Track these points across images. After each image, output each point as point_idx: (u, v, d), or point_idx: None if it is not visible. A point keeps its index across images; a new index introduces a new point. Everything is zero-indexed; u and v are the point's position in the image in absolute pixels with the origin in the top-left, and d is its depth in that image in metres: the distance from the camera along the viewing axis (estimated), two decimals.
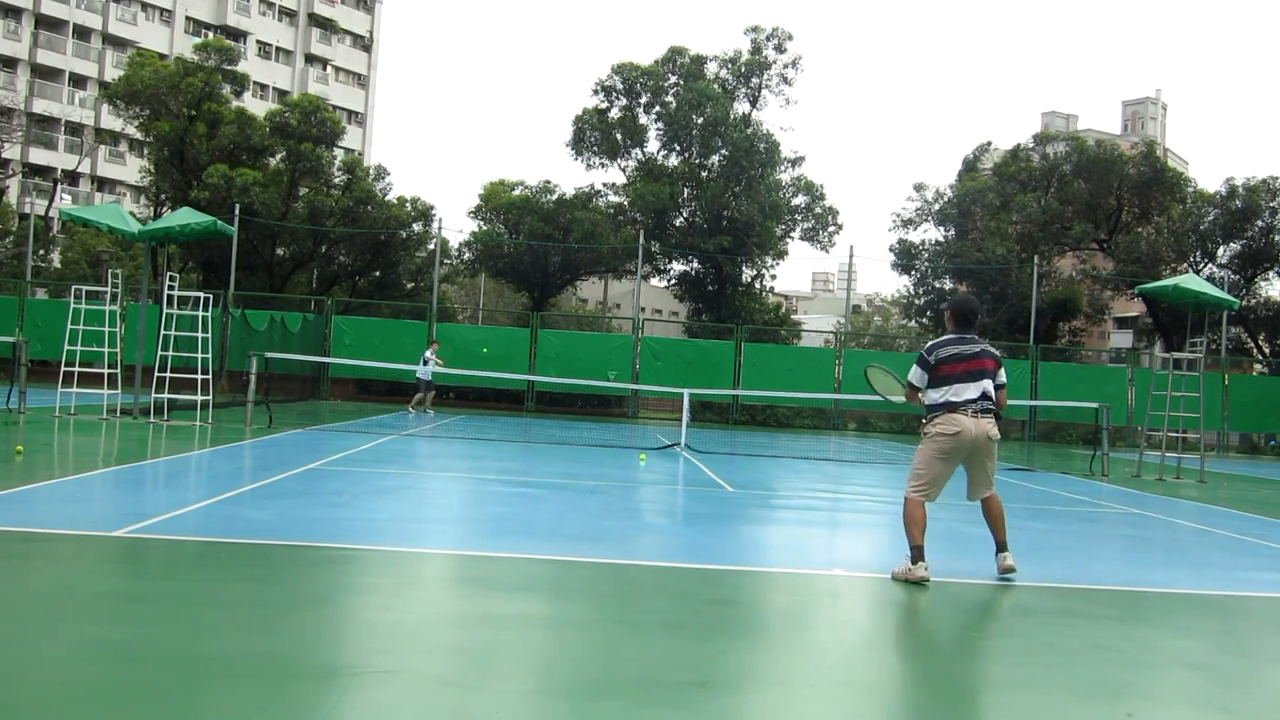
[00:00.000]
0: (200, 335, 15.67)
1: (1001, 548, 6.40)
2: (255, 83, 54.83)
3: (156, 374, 15.42)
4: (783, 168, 36.07)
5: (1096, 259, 38.89)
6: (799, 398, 28.89)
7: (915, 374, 6.41)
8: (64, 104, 54.05)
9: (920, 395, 6.45)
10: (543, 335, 28.93)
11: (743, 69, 35.41)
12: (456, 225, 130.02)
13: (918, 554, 6.14)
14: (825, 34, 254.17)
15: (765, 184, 34.09)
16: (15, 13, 54.37)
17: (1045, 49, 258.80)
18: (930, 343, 6.51)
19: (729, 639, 4.69)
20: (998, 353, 6.51)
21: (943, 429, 6.23)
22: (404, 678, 3.82)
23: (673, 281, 36.81)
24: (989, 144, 40.87)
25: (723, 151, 34.37)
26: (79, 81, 56.65)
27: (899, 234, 38.72)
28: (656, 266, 36.15)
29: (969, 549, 7.84)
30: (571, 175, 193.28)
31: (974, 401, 6.21)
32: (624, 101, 35.59)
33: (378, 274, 35.82)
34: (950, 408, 6.21)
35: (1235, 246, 34.50)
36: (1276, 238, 33.67)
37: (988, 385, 6.28)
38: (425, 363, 23.35)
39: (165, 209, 34.67)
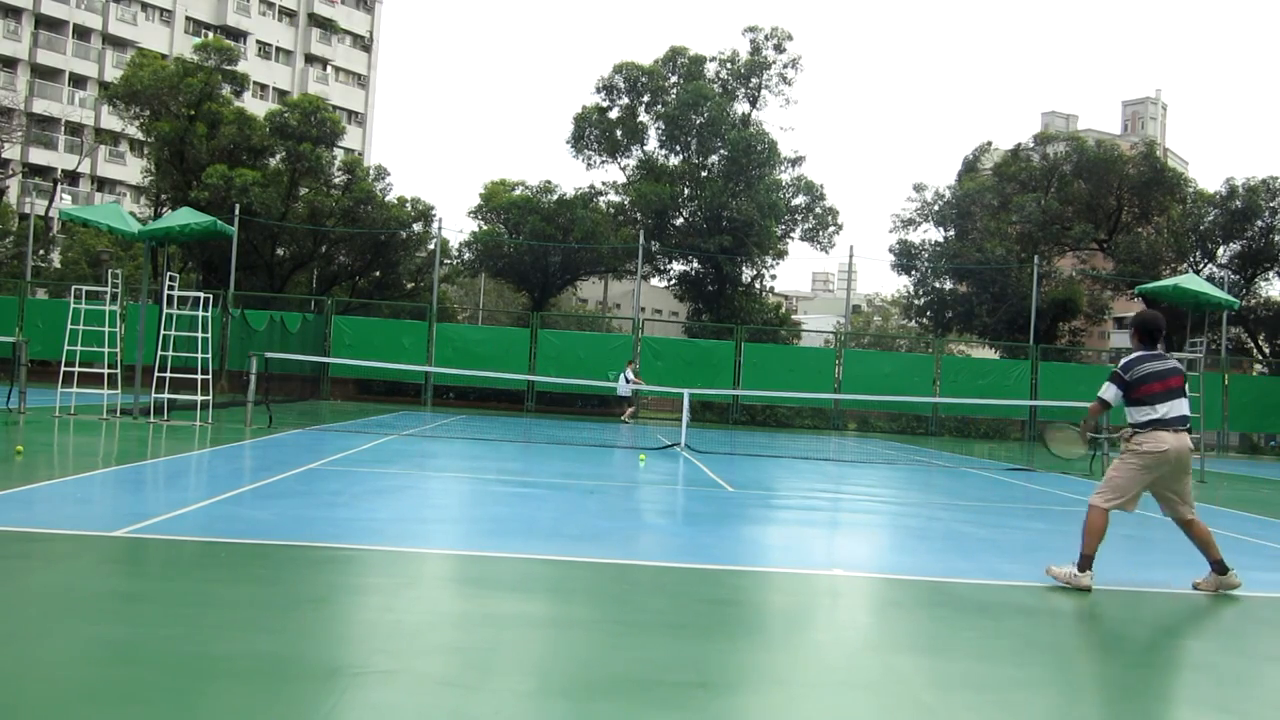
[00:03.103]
0: (200, 335, 15.67)
1: (1222, 568, 6.37)
2: (255, 83, 54.84)
3: (156, 374, 15.42)
4: (782, 168, 36.08)
5: (1096, 259, 38.89)
6: (799, 398, 28.90)
7: (1111, 393, 6.48)
8: (64, 104, 54.05)
9: (1106, 412, 6.59)
10: (543, 335, 28.93)
11: (742, 69, 35.41)
12: (456, 225, 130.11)
13: (1086, 563, 6.26)
14: (825, 34, 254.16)
15: (765, 184, 34.10)
16: (15, 13, 54.37)
17: (1045, 49, 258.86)
18: (1124, 360, 6.54)
19: (729, 639, 4.69)
20: (1183, 367, 6.60)
21: (1151, 447, 6.29)
22: (404, 678, 3.82)
23: (673, 281, 36.83)
24: (989, 144, 40.87)
25: (722, 151, 34.38)
26: (79, 81, 56.64)
27: (899, 234, 38.76)
28: (656, 266, 36.16)
29: (969, 549, 7.85)
30: (572, 175, 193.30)
31: (1179, 420, 6.32)
32: (625, 100, 35.61)
33: (378, 274, 35.82)
34: (1158, 425, 6.30)
35: (1235, 246, 34.50)
36: (1276, 238, 33.67)
37: (1186, 403, 6.39)
38: (626, 380, 24.63)
39: (165, 209, 34.67)
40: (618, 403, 31.20)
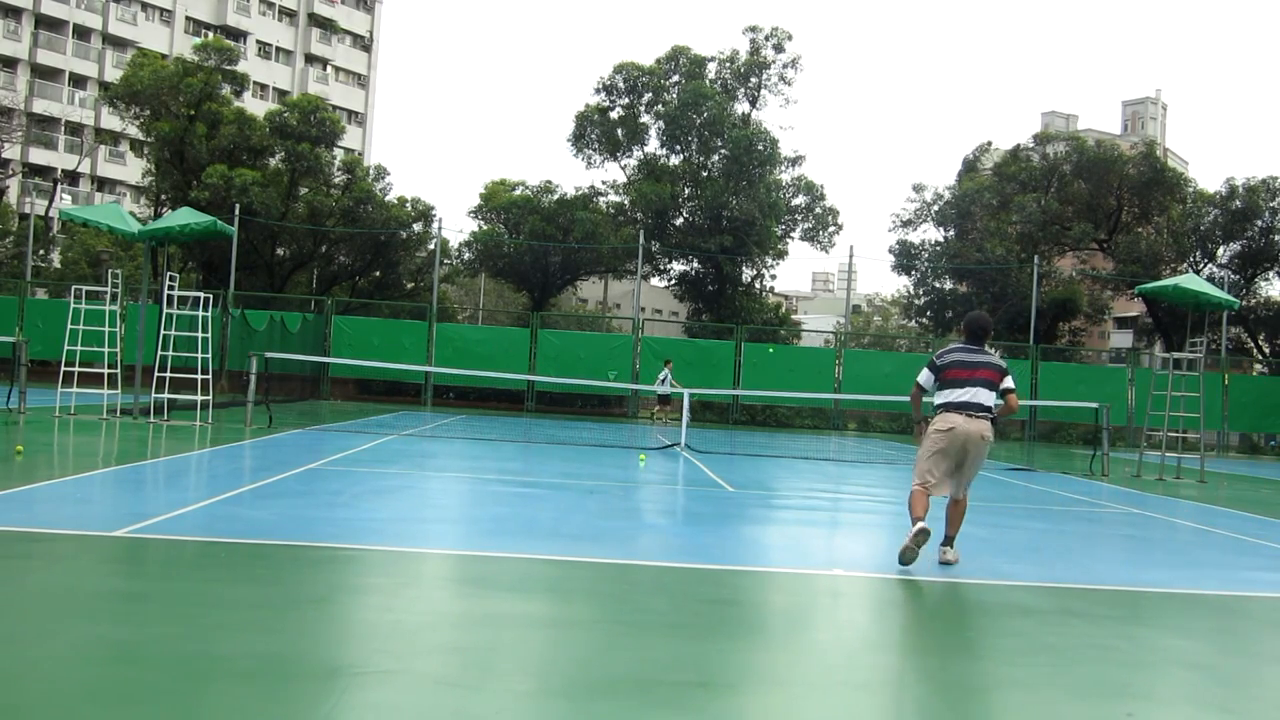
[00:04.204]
0: (200, 335, 15.66)
1: (948, 541, 6.81)
2: (255, 83, 54.82)
3: (156, 374, 15.42)
4: (782, 167, 36.09)
5: (1096, 259, 38.88)
6: (799, 398, 28.90)
7: (923, 376, 6.99)
8: (64, 104, 54.01)
9: (926, 396, 7.02)
10: (543, 335, 28.93)
11: (742, 69, 35.43)
12: (456, 225, 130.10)
13: (915, 521, 6.50)
14: (825, 34, 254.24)
15: (765, 183, 34.11)
16: (15, 13, 54.34)
17: (1045, 49, 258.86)
18: (940, 349, 7.09)
19: (729, 639, 4.69)
20: (1003, 364, 6.99)
21: (938, 425, 6.76)
22: (404, 678, 3.82)
23: (673, 281, 36.83)
24: (989, 144, 40.88)
25: (723, 151, 34.38)
26: (79, 81, 56.61)
27: (899, 234, 38.77)
28: (656, 266, 36.16)
29: (968, 549, 7.85)
30: (572, 175, 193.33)
31: (969, 405, 6.71)
32: (626, 100, 35.61)
33: (378, 274, 35.83)
34: (947, 407, 6.75)
35: (1235, 246, 34.50)
36: (1276, 238, 33.68)
37: (985, 393, 6.76)
38: (663, 380, 24.71)
39: (165, 209, 34.66)
40: (617, 401, 31.30)
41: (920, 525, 6.36)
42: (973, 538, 8.54)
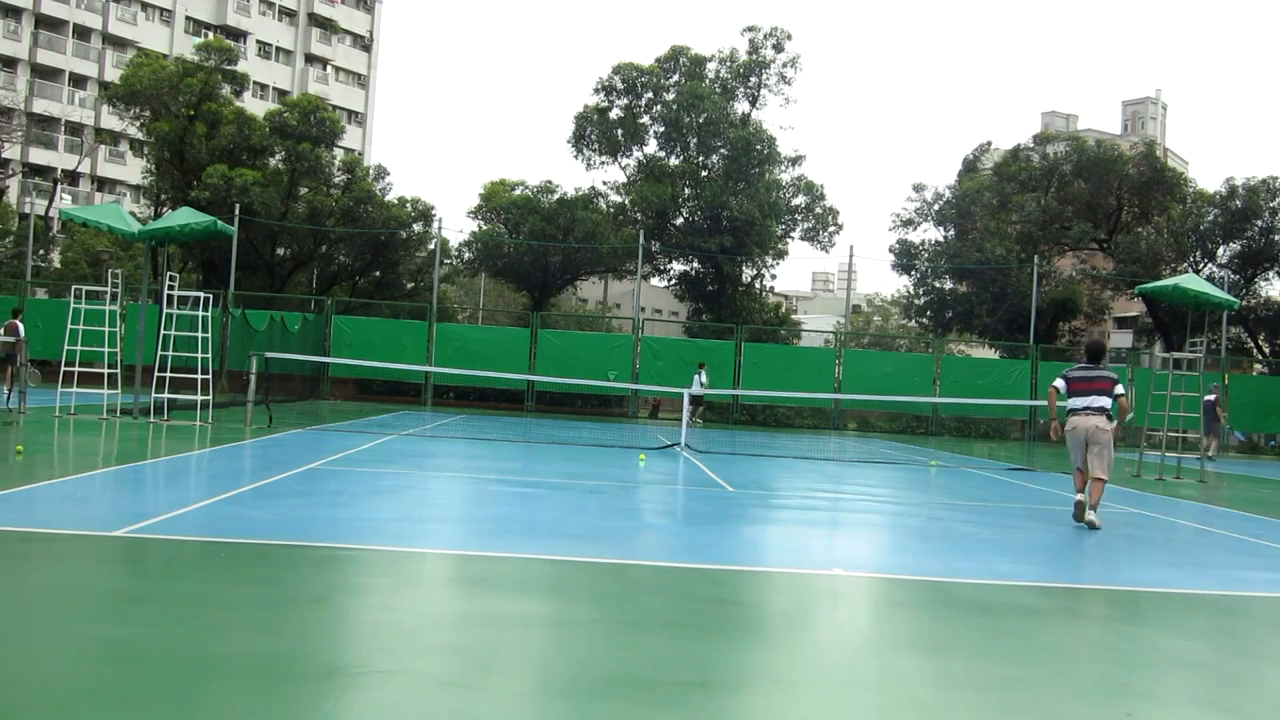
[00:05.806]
0: (200, 335, 15.67)
1: (1091, 508, 9.18)
2: (255, 83, 54.83)
3: (156, 374, 15.43)
4: (782, 167, 36.08)
5: (1096, 259, 38.87)
6: (799, 398, 28.91)
7: (1058, 382, 9.87)
8: (64, 104, 54.02)
9: (1059, 400, 9.79)
10: (543, 335, 28.93)
11: (741, 68, 35.42)
12: (456, 225, 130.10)
13: (1077, 493, 9.49)
14: (824, 34, 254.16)
15: (765, 183, 34.10)
16: (15, 13, 54.35)
17: (1045, 49, 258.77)
18: (1068, 368, 10.11)
19: (729, 639, 4.69)
20: (1115, 375, 9.68)
21: (1067, 425, 9.64)
22: (404, 678, 3.82)
23: (673, 281, 36.82)
24: (989, 144, 40.86)
25: (722, 151, 34.37)
26: (79, 81, 56.63)
27: (899, 234, 38.76)
28: (656, 266, 36.16)
29: (969, 549, 7.85)
30: (572, 175, 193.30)
31: (1086, 408, 9.48)
32: (625, 101, 35.59)
33: (378, 274, 35.82)
34: (1072, 412, 9.61)
35: (1235, 246, 34.49)
36: (1276, 238, 33.66)
37: (1099, 399, 9.44)
38: (701, 383, 25.21)
39: (165, 209, 34.64)
40: (617, 401, 31.32)
41: (1078, 498, 9.37)
42: (973, 538, 8.55)
